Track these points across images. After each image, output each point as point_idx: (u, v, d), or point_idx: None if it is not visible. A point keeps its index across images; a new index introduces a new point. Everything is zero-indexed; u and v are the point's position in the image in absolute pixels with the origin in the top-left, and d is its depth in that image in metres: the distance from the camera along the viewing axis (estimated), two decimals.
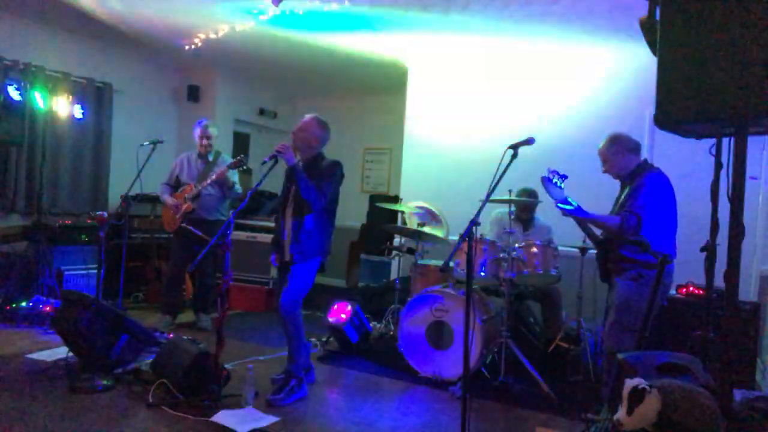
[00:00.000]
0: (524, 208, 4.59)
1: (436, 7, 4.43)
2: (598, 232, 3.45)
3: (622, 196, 3.22)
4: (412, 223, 4.80)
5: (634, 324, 3.02)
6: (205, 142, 4.90)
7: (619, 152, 3.21)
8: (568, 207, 3.14)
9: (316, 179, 3.40)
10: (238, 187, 4.94)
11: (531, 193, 4.46)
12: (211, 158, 4.97)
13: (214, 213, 4.89)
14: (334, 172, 3.50)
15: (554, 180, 3.13)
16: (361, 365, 4.29)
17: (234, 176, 4.90)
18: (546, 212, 4.52)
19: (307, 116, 3.57)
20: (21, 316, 4.66)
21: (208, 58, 6.51)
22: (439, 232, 4.77)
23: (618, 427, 1.90)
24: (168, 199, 4.85)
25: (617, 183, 3.39)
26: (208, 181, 4.69)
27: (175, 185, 4.95)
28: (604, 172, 3.32)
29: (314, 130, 3.51)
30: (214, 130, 4.97)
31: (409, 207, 5.10)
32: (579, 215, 3.19)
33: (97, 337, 3.47)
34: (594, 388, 3.69)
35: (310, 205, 3.36)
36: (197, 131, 4.92)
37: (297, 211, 3.46)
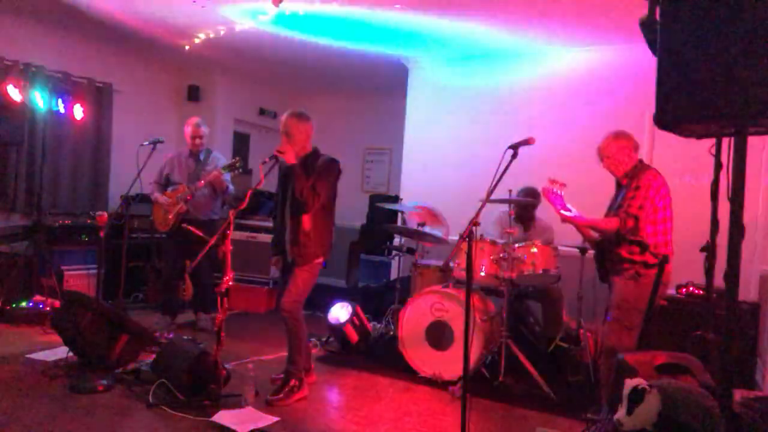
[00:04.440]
0: (525, 206, 4.58)
1: (436, 6, 4.43)
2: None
3: (619, 199, 3.22)
4: (412, 223, 4.80)
5: (633, 323, 3.03)
6: (197, 141, 4.88)
7: (625, 148, 3.22)
8: (568, 214, 3.21)
9: (312, 178, 3.40)
10: (231, 187, 4.91)
11: (532, 192, 4.47)
12: (202, 157, 4.93)
13: (207, 213, 4.87)
14: (331, 170, 3.49)
15: (555, 189, 3.19)
16: (361, 365, 4.29)
17: (227, 176, 4.87)
18: (547, 212, 4.51)
19: (283, 116, 3.51)
20: (21, 316, 4.66)
21: (208, 58, 6.51)
22: (439, 232, 4.77)
23: (618, 427, 1.91)
24: (160, 197, 4.81)
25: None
26: (203, 183, 4.66)
27: (164, 183, 4.90)
28: (606, 167, 3.32)
29: (299, 126, 3.46)
30: (205, 129, 4.94)
31: (409, 207, 5.10)
32: (579, 221, 3.25)
33: (97, 337, 3.47)
34: (594, 388, 3.69)
35: (304, 206, 3.35)
36: (188, 129, 4.88)
37: (294, 211, 3.45)
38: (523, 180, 4.46)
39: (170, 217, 4.73)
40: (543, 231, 4.59)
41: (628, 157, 3.22)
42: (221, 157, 5.07)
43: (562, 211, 3.23)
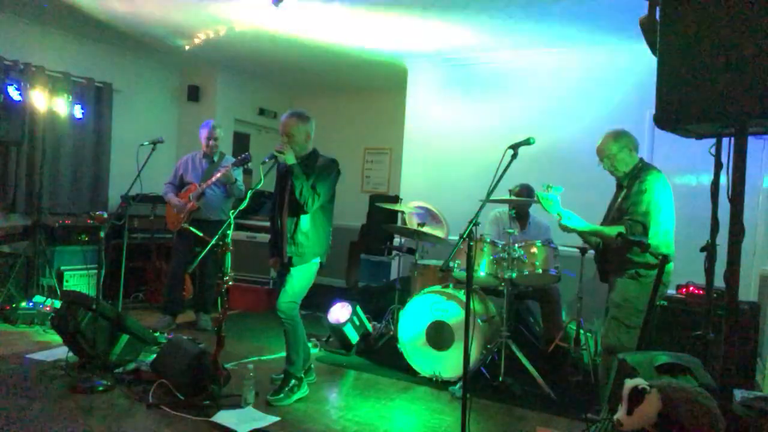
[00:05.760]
0: (522, 205, 4.57)
1: (436, 7, 4.43)
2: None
3: (620, 199, 3.20)
4: (412, 223, 4.80)
5: (632, 322, 3.02)
6: (212, 143, 4.94)
7: (625, 148, 3.17)
8: (569, 222, 3.15)
9: (312, 178, 3.40)
10: (241, 184, 4.94)
11: (527, 188, 4.46)
12: (215, 159, 5.00)
13: (218, 213, 4.90)
14: (330, 171, 3.48)
15: (550, 193, 3.14)
16: (361, 365, 4.29)
17: (238, 175, 4.91)
18: (542, 211, 4.51)
19: (284, 116, 3.50)
20: (21, 316, 4.66)
21: (208, 58, 6.51)
22: (439, 232, 4.76)
23: (618, 427, 1.90)
24: (173, 198, 4.87)
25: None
26: (213, 180, 4.71)
27: (179, 185, 4.97)
28: (606, 168, 3.28)
29: (299, 127, 3.45)
30: (220, 132, 5.02)
31: (409, 207, 5.09)
32: (581, 228, 3.19)
33: (97, 337, 3.47)
34: (594, 388, 3.69)
35: (303, 206, 3.35)
36: (204, 132, 4.95)
37: (293, 211, 3.44)
38: (524, 180, 4.46)
39: (181, 216, 4.77)
40: (539, 229, 4.59)
41: (629, 156, 3.17)
42: (233, 160, 5.12)
43: (563, 223, 3.18)
